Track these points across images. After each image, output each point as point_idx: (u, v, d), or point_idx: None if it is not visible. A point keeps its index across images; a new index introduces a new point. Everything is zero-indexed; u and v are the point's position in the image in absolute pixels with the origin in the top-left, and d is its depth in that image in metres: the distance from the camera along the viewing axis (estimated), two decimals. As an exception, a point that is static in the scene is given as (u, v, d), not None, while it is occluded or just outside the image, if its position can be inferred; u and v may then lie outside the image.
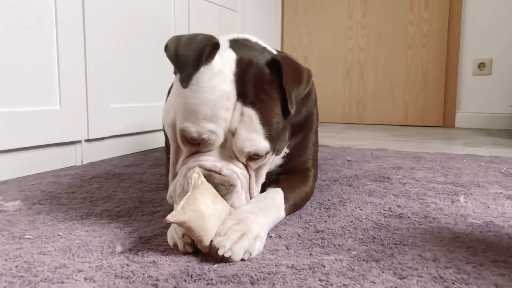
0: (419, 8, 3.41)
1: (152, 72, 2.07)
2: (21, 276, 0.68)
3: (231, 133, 0.83)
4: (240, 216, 0.80)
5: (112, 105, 1.82)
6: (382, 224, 0.95)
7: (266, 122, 0.83)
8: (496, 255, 0.78)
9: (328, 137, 2.66)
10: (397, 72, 3.55)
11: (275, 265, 0.73)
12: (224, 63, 0.84)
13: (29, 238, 0.85)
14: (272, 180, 1.01)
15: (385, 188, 1.28)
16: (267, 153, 0.85)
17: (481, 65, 3.25)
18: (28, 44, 1.45)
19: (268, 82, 0.85)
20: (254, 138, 0.82)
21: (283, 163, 1.06)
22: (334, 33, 3.74)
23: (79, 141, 1.68)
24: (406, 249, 0.80)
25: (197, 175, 0.79)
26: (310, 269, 0.72)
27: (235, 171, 0.84)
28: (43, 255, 0.76)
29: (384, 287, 0.65)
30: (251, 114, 0.82)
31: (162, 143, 2.16)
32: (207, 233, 0.75)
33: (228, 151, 0.84)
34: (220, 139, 0.82)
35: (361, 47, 3.66)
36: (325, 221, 0.97)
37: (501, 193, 1.22)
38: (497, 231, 0.90)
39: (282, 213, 0.93)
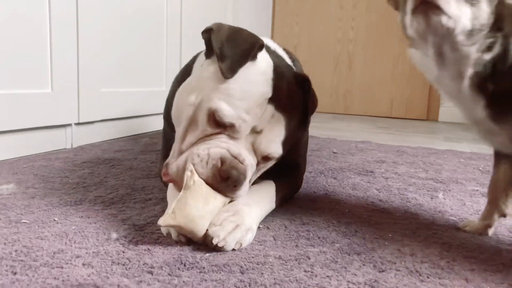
0: (409, 2, 3.45)
1: (144, 57, 2.07)
2: (21, 260, 0.71)
3: (255, 130, 0.86)
4: (235, 208, 0.84)
5: (103, 89, 1.83)
6: (364, 218, 1.00)
7: (288, 130, 0.89)
8: (468, 251, 0.83)
9: (315, 127, 2.71)
10: (384, 65, 3.60)
11: (263, 256, 0.77)
12: (267, 65, 0.89)
13: (25, 222, 0.88)
14: (264, 173, 1.05)
15: (368, 182, 1.33)
16: (278, 157, 0.92)
17: (466, 61, 3.32)
18: (20, 26, 1.45)
19: (295, 97, 0.92)
20: (277, 142, 0.88)
21: (278, 160, 1.10)
22: (324, 23, 3.77)
23: (69, 125, 1.69)
24: (386, 243, 0.86)
25: (190, 174, 0.81)
26: (296, 260, 0.76)
27: (252, 163, 0.87)
28: (40, 239, 0.79)
29: (364, 279, 0.70)
30: (281, 119, 0.87)
31: (151, 128, 2.18)
32: (197, 233, 0.79)
33: (247, 144, 0.86)
34: (247, 131, 0.85)
35: (350, 38, 3.70)
36: (310, 214, 1.02)
37: (477, 190, 1.28)
38: (471, 228, 0.96)
39: (273, 205, 0.98)
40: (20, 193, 1.07)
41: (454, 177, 1.44)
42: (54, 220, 0.90)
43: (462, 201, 1.16)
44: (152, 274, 0.69)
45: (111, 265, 0.71)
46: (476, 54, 0.75)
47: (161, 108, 1.26)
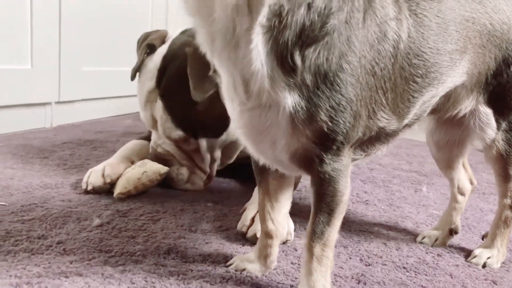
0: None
1: (128, 36, 2.01)
2: (0, 245, 0.69)
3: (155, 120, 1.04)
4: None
5: (85, 68, 1.78)
6: (349, 209, 1.00)
7: (173, 111, 1.01)
8: (451, 246, 0.84)
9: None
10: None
11: (250, 247, 0.76)
12: (158, 58, 1.01)
13: (4, 205, 0.85)
14: None
15: (353, 173, 1.33)
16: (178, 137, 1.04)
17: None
18: (0, -1, 1.38)
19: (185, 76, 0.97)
20: (168, 125, 1.02)
21: None
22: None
23: (49, 103, 1.64)
24: (372, 236, 0.86)
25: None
26: (283, 251, 0.76)
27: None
28: (21, 223, 0.77)
29: (351, 273, 0.70)
30: (161, 105, 1.01)
31: (134, 109, 2.13)
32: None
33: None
34: (149, 123, 1.03)
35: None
36: (296, 203, 1.01)
37: (459, 184, 1.30)
38: (455, 222, 0.97)
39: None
40: (-2, 174, 1.03)
41: (437, 170, 1.44)
42: (34, 203, 0.87)
43: (445, 195, 1.17)
44: (136, 263, 0.67)
45: (93, 252, 0.69)
46: None
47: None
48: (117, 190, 0.93)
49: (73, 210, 0.85)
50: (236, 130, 0.57)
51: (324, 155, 0.53)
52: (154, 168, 0.97)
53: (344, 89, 0.50)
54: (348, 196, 0.57)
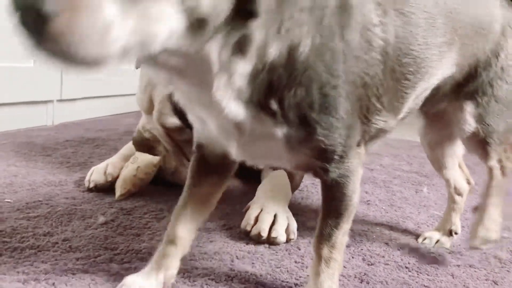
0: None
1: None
2: (6, 242, 0.69)
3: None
4: (259, 204, 0.85)
5: (87, 66, 1.78)
6: (351, 209, 1.01)
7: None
8: (452, 246, 0.85)
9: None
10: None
11: (254, 245, 0.77)
12: None
13: (9, 202, 0.85)
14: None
15: (354, 173, 1.34)
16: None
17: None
18: (4, -4, 1.39)
19: None
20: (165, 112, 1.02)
21: None
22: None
23: (51, 101, 1.64)
24: (374, 236, 0.86)
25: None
26: (286, 250, 0.76)
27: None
28: (27, 220, 0.77)
29: (354, 272, 0.71)
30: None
31: (135, 108, 2.13)
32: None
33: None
34: (144, 106, 1.02)
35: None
36: (298, 203, 1.02)
37: (459, 185, 1.31)
38: (455, 223, 0.98)
39: (289, 192, 0.96)
40: (1, 171, 1.04)
41: (437, 172, 1.46)
42: (39, 200, 0.87)
43: (445, 196, 1.17)
44: (141, 260, 0.68)
45: (99, 249, 0.70)
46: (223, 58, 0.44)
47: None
48: (117, 193, 0.93)
49: (77, 207, 0.86)
50: (237, 156, 0.56)
51: (328, 165, 0.53)
52: (146, 161, 0.97)
53: (334, 111, 0.50)
54: (357, 200, 0.57)
